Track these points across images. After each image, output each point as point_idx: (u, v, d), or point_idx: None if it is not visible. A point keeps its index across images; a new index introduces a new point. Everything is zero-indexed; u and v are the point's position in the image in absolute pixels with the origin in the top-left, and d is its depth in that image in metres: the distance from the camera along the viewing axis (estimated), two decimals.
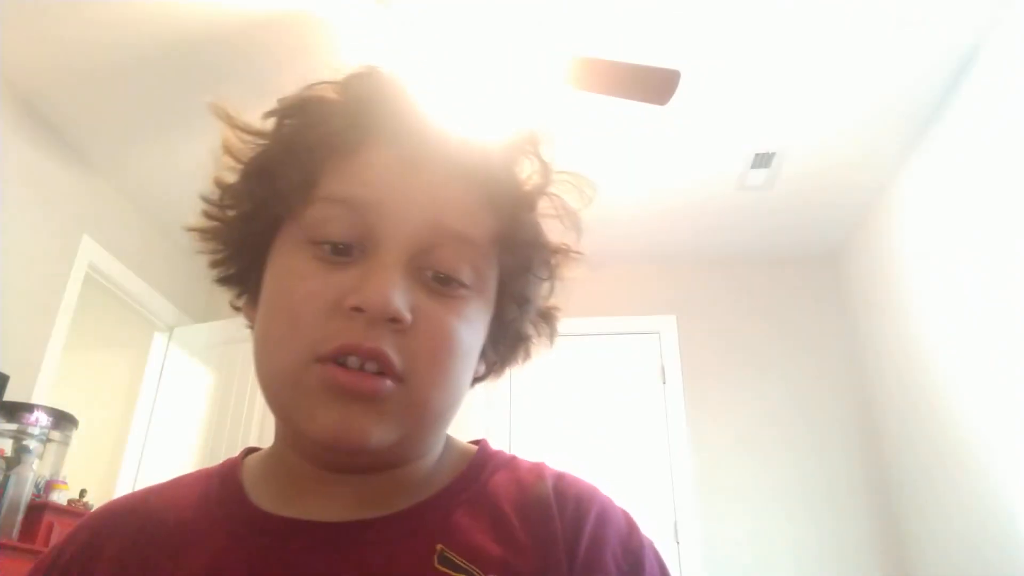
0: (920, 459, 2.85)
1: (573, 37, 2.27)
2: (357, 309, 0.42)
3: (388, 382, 0.42)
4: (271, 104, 0.50)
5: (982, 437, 2.41)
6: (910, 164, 2.86)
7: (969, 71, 2.39)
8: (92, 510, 0.65)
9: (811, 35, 2.30)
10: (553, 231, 0.53)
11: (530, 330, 0.55)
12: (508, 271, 0.50)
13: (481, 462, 0.51)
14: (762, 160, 2.92)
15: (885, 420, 3.16)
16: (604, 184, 3.04)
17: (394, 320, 0.42)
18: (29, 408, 2.32)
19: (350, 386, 0.42)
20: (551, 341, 0.57)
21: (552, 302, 0.56)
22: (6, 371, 2.43)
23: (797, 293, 3.59)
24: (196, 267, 3.77)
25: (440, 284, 0.45)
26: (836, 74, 2.46)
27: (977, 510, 2.44)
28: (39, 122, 2.69)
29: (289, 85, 0.51)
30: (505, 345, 0.54)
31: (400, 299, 0.42)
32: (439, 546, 0.43)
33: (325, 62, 0.52)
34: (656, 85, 1.98)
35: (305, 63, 2.15)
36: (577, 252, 0.54)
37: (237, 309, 0.54)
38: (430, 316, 0.44)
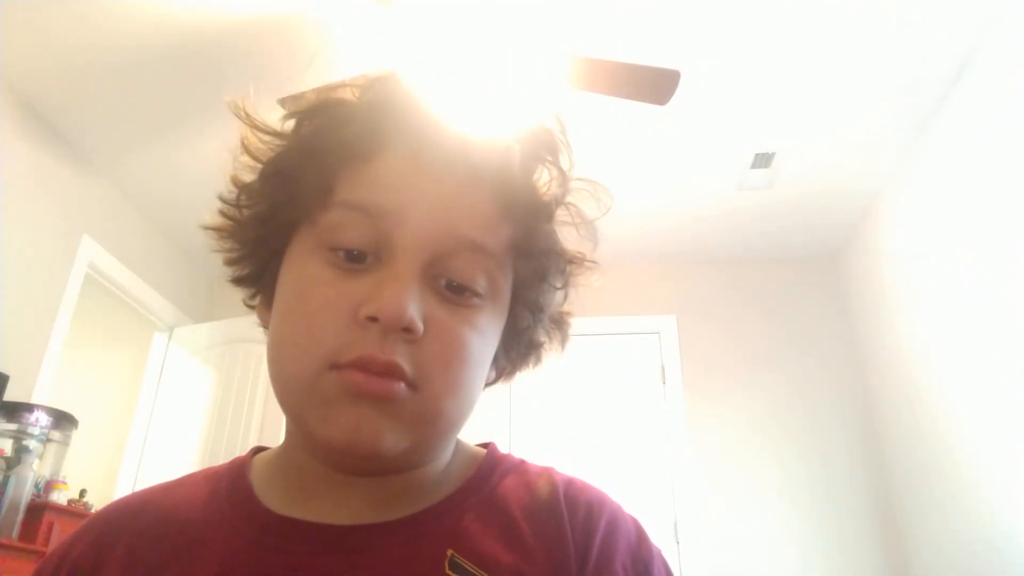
0: (920, 458, 2.85)
1: (573, 37, 2.27)
2: (371, 319, 0.42)
3: (401, 384, 0.42)
4: (271, 105, 0.50)
5: (980, 435, 2.41)
6: (909, 164, 2.86)
7: (968, 71, 2.39)
8: (98, 509, 0.65)
9: (811, 35, 2.30)
10: (569, 239, 0.53)
11: (543, 337, 0.55)
12: (523, 279, 0.50)
13: (491, 466, 0.51)
14: (762, 160, 2.92)
15: (885, 420, 3.16)
16: (604, 184, 3.03)
17: (407, 330, 0.42)
18: (29, 408, 2.32)
19: (365, 387, 0.42)
20: (563, 347, 0.57)
21: (565, 308, 0.56)
22: (6, 371, 2.42)
23: (797, 293, 3.59)
24: (196, 267, 3.78)
25: (454, 293, 0.45)
26: (836, 74, 2.46)
27: (975, 508, 2.44)
28: (39, 122, 2.69)
29: (290, 86, 0.51)
30: (517, 352, 0.54)
31: (414, 309, 0.42)
32: (449, 551, 0.43)
33: (326, 63, 0.52)
34: (656, 85, 1.98)
35: (304, 64, 2.15)
36: (592, 261, 0.54)
37: (251, 308, 0.54)
38: (443, 326, 0.44)
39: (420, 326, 0.43)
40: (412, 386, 0.43)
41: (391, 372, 0.42)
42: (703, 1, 2.17)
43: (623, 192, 3.12)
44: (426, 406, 0.43)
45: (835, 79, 2.48)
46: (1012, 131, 2.19)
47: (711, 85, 2.51)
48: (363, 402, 0.42)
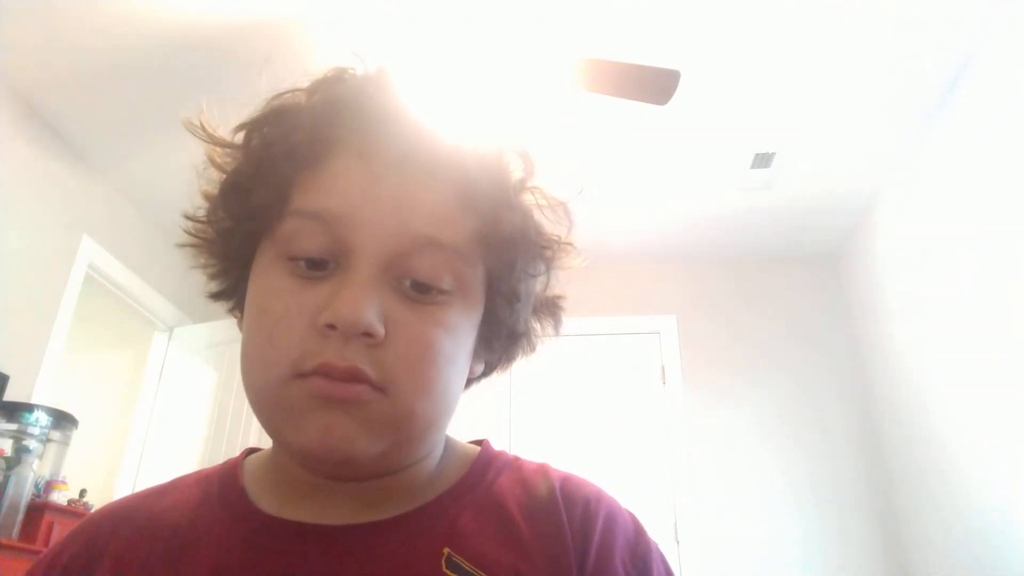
0: (920, 459, 2.85)
1: (575, 38, 2.27)
2: (330, 326, 0.41)
3: (366, 387, 0.42)
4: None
5: (980, 435, 2.41)
6: (909, 164, 2.86)
7: (968, 72, 2.39)
8: (91, 512, 0.65)
9: (811, 36, 2.30)
10: (546, 224, 0.51)
11: (524, 326, 0.53)
12: (495, 270, 0.49)
13: (485, 463, 0.51)
14: (762, 160, 2.92)
15: (885, 421, 3.16)
16: (604, 184, 3.04)
17: (367, 335, 0.42)
18: (29, 408, 2.32)
19: (330, 391, 0.41)
20: (556, 331, 0.56)
21: (556, 292, 0.54)
22: (6, 371, 2.42)
23: (797, 293, 3.59)
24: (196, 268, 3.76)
25: (418, 292, 0.44)
26: (836, 75, 2.46)
27: (975, 509, 2.44)
28: (39, 122, 2.69)
29: (288, 87, 0.51)
30: (499, 344, 0.53)
31: (372, 313, 0.42)
32: (446, 550, 0.43)
33: (323, 64, 0.51)
34: (657, 85, 1.98)
35: (303, 64, 2.15)
36: (568, 244, 0.53)
37: (237, 319, 0.54)
38: (407, 327, 0.43)
39: (380, 329, 0.42)
40: (379, 389, 0.42)
41: (353, 377, 0.41)
42: (704, 1, 2.18)
43: (623, 192, 3.12)
44: (396, 408, 0.43)
45: (835, 80, 2.48)
46: (1012, 132, 2.19)
47: (712, 85, 2.51)
48: (331, 407, 0.41)
